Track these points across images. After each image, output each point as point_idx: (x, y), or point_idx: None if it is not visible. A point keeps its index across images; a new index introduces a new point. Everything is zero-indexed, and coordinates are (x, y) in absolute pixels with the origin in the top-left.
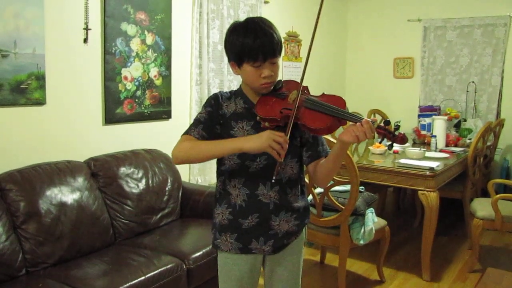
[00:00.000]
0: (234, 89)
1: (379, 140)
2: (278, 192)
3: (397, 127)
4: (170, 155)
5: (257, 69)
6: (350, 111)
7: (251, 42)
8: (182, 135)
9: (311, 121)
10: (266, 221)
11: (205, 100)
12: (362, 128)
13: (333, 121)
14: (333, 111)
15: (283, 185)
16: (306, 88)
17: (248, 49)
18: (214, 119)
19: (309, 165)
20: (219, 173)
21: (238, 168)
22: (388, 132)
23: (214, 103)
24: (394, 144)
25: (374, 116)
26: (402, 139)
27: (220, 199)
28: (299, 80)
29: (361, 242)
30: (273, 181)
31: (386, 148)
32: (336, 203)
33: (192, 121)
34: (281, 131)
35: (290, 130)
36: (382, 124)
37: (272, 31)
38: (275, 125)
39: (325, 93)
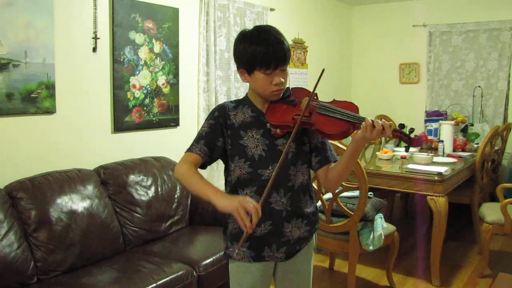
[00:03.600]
0: (240, 98)
1: (396, 143)
2: (291, 198)
3: (412, 130)
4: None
5: (269, 76)
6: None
7: (264, 49)
8: (185, 152)
9: (326, 126)
10: (278, 228)
11: (212, 108)
12: (378, 124)
13: (348, 126)
14: (348, 115)
15: (295, 192)
16: (315, 94)
17: (261, 57)
18: (216, 132)
19: (318, 171)
20: (228, 183)
21: (250, 177)
22: (404, 134)
23: (218, 115)
24: (410, 148)
25: None
26: (419, 141)
27: None
28: (307, 88)
29: (371, 247)
30: (235, 256)
31: (393, 153)
32: (345, 208)
33: (199, 128)
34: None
35: (294, 135)
36: (397, 127)
37: (283, 39)
38: (286, 132)
39: (335, 99)
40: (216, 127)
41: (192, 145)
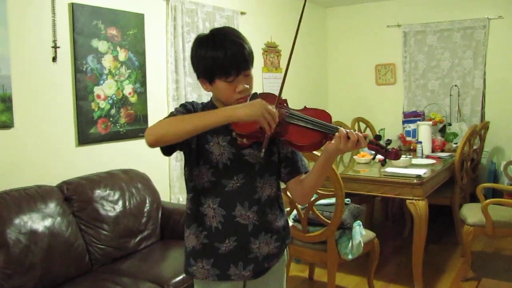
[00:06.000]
0: (204, 102)
1: (372, 157)
2: (257, 212)
3: (389, 142)
4: (147, 174)
5: (231, 84)
6: (333, 120)
7: (221, 55)
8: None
9: (296, 137)
10: (244, 244)
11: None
12: (353, 135)
13: (321, 137)
14: (320, 125)
15: (262, 205)
16: (284, 101)
17: (219, 64)
18: None
19: (288, 182)
20: (190, 190)
21: (213, 187)
22: (380, 147)
23: (191, 109)
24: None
25: (358, 124)
26: (396, 154)
27: (191, 221)
28: (277, 93)
29: (349, 256)
30: (262, 155)
31: (372, 158)
32: (322, 217)
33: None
34: (259, 148)
35: (266, 145)
36: (373, 139)
37: (242, 41)
38: (253, 142)
39: (306, 106)
40: None
41: (176, 110)
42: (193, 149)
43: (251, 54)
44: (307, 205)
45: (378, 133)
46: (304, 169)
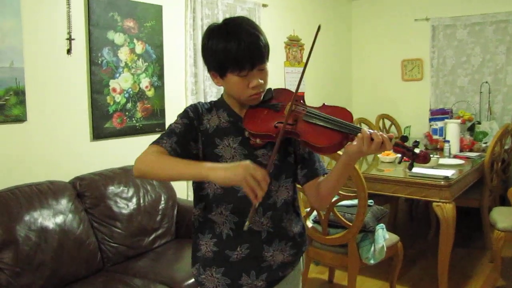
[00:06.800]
0: (214, 100)
1: (398, 160)
2: (272, 218)
3: (416, 144)
4: None
5: (244, 78)
6: (357, 117)
7: (235, 47)
8: (150, 145)
9: (315, 138)
10: (257, 252)
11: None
12: (377, 137)
13: (341, 137)
14: (340, 125)
15: (277, 210)
16: (301, 97)
17: (232, 56)
18: (190, 134)
19: (305, 185)
20: (199, 199)
21: (225, 193)
22: (407, 149)
23: (193, 116)
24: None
25: (383, 121)
26: (425, 158)
27: (201, 228)
28: (295, 87)
29: (371, 261)
30: (244, 229)
31: (398, 162)
32: (343, 219)
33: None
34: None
35: (278, 148)
36: (399, 141)
37: (258, 33)
38: (267, 142)
39: (325, 103)
40: (190, 128)
41: (162, 138)
42: (200, 158)
43: (266, 47)
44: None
45: (404, 134)
46: (322, 171)
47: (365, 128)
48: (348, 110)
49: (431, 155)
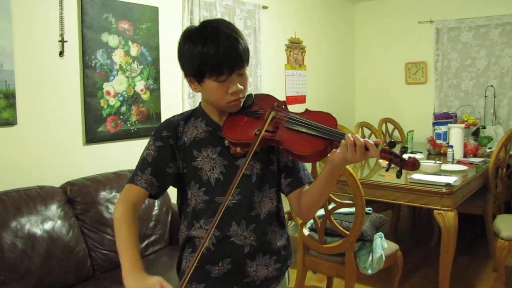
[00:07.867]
0: (190, 109)
1: (385, 167)
2: (255, 231)
3: (404, 150)
4: None
5: (223, 84)
6: (360, 120)
7: (213, 51)
8: (126, 183)
9: (297, 145)
10: (240, 267)
11: None
12: (360, 141)
13: (324, 144)
14: (324, 131)
15: (261, 223)
16: (283, 103)
17: (210, 61)
18: (165, 157)
19: (289, 195)
20: (185, 214)
21: (206, 207)
22: (395, 156)
23: (167, 135)
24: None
25: (386, 125)
26: (414, 165)
27: (183, 243)
28: (305, 92)
29: (369, 271)
30: None
31: (385, 169)
32: (339, 227)
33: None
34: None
35: (249, 158)
36: (386, 147)
37: (237, 36)
38: (247, 151)
39: (308, 109)
40: (165, 150)
41: (135, 174)
42: (184, 173)
43: (246, 51)
44: (324, 213)
45: (391, 140)
46: (307, 179)
47: (366, 131)
48: (333, 115)
49: (434, 161)
